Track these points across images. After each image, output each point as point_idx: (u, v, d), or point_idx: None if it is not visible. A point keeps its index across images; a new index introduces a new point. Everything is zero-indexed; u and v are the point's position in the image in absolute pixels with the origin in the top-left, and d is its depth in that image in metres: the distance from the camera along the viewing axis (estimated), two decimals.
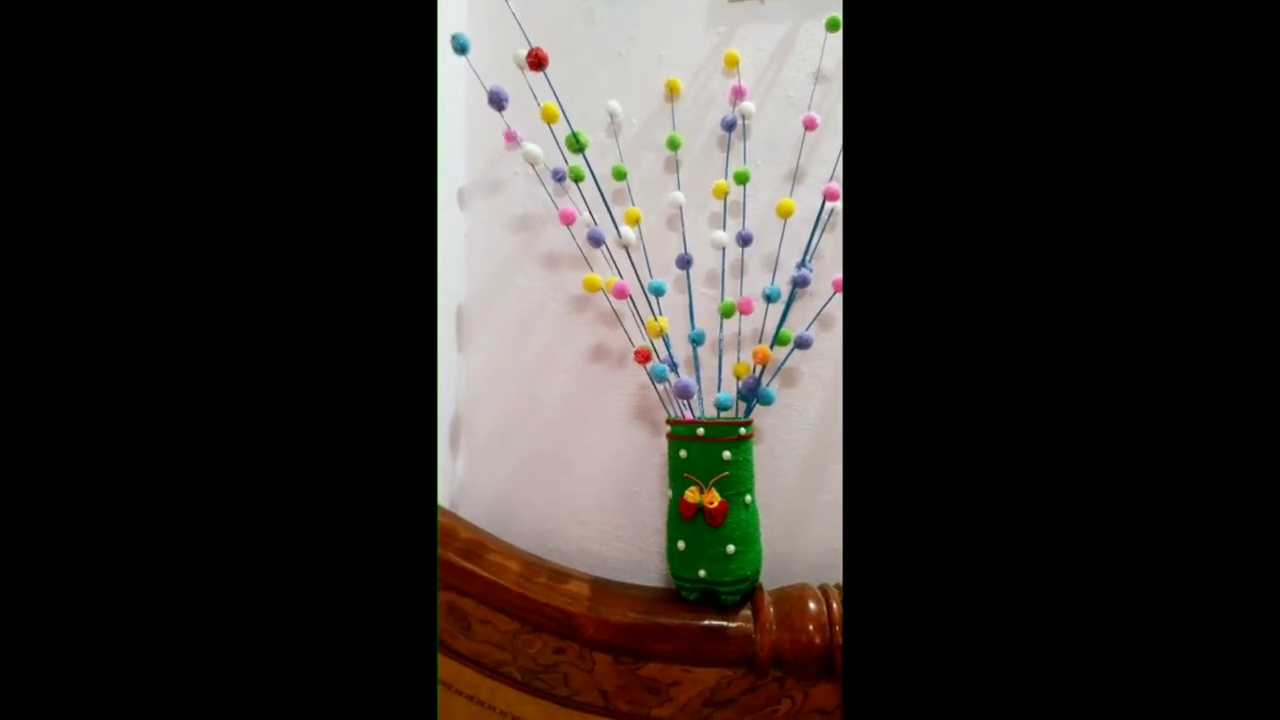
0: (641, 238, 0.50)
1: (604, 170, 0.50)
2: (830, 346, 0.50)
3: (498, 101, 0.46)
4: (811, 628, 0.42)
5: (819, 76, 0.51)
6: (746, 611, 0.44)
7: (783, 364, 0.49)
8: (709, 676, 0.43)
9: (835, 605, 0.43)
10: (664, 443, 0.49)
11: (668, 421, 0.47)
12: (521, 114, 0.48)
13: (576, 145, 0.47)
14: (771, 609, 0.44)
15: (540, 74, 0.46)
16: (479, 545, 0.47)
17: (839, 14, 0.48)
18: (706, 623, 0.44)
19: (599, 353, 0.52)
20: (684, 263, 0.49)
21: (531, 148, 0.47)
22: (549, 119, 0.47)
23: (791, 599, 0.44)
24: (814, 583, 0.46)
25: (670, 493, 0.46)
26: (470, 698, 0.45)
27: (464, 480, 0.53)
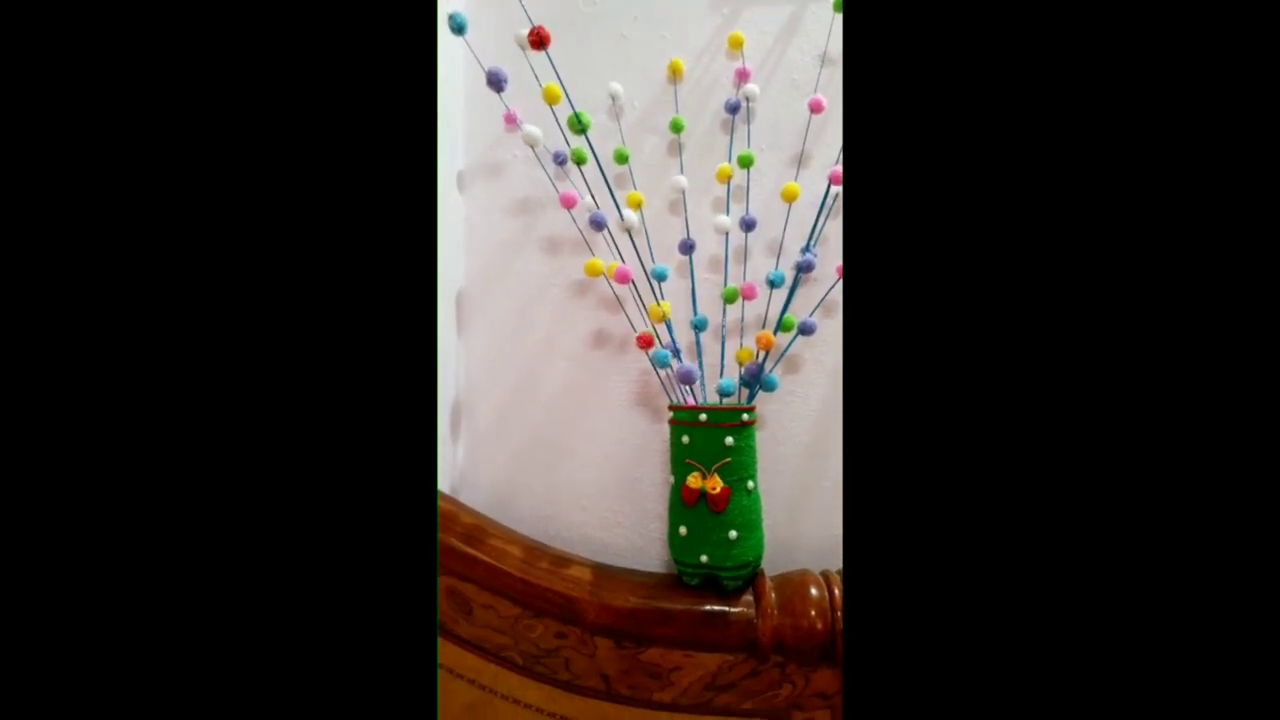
0: (644, 222, 0.49)
1: (605, 153, 0.50)
2: (834, 333, 0.50)
3: (496, 82, 0.46)
4: (813, 613, 0.42)
5: (825, 59, 0.50)
6: (748, 597, 0.44)
7: (785, 350, 0.49)
8: (710, 661, 0.43)
9: (837, 591, 0.43)
10: (665, 429, 0.49)
11: (670, 407, 0.47)
12: (521, 96, 0.47)
13: (579, 126, 0.47)
14: (773, 594, 0.44)
15: (540, 55, 0.45)
16: (480, 530, 0.47)
17: None
18: (708, 608, 0.44)
19: (600, 338, 0.52)
20: (686, 248, 0.49)
21: (531, 129, 0.47)
22: (550, 100, 0.46)
23: (793, 584, 0.44)
24: (816, 569, 0.46)
25: (672, 478, 0.46)
26: (472, 682, 0.45)
27: (465, 466, 0.53)
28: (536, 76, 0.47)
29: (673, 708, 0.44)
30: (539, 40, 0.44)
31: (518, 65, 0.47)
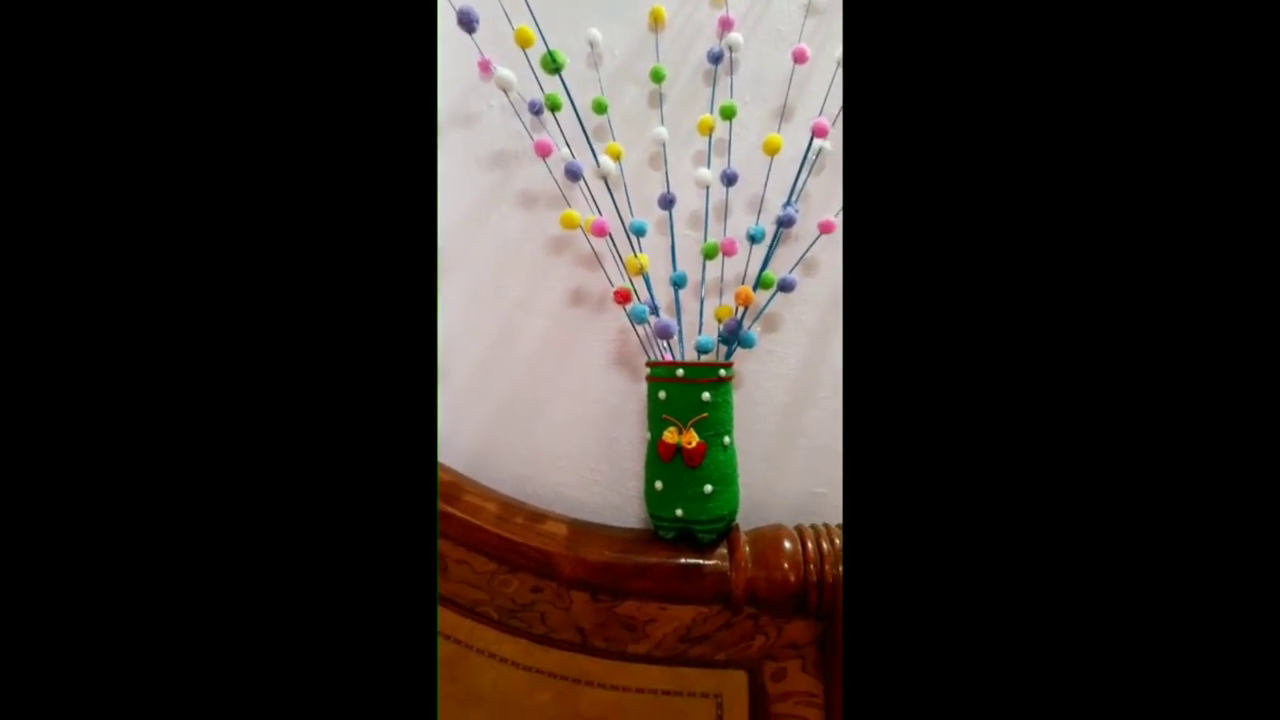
0: (623, 176, 0.48)
1: (583, 104, 0.48)
2: (814, 291, 0.50)
3: (467, 22, 0.44)
4: (786, 566, 0.43)
5: (810, 9, 0.49)
6: (722, 550, 0.45)
7: (764, 308, 0.48)
8: (685, 613, 0.44)
9: (810, 545, 0.43)
10: (643, 388, 0.48)
11: (647, 363, 0.46)
12: (494, 44, 0.45)
13: (553, 65, 0.45)
14: (747, 547, 0.44)
15: None
16: (455, 487, 0.46)
17: None
18: (683, 561, 0.44)
19: (578, 296, 0.51)
20: (666, 202, 0.48)
21: (504, 72, 0.45)
22: (523, 43, 0.45)
23: (767, 538, 0.45)
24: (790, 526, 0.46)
25: (649, 434, 0.46)
26: (448, 637, 0.45)
27: (440, 425, 0.52)
28: (509, 19, 0.45)
29: (647, 659, 0.44)
30: None
31: (490, 9, 0.44)
